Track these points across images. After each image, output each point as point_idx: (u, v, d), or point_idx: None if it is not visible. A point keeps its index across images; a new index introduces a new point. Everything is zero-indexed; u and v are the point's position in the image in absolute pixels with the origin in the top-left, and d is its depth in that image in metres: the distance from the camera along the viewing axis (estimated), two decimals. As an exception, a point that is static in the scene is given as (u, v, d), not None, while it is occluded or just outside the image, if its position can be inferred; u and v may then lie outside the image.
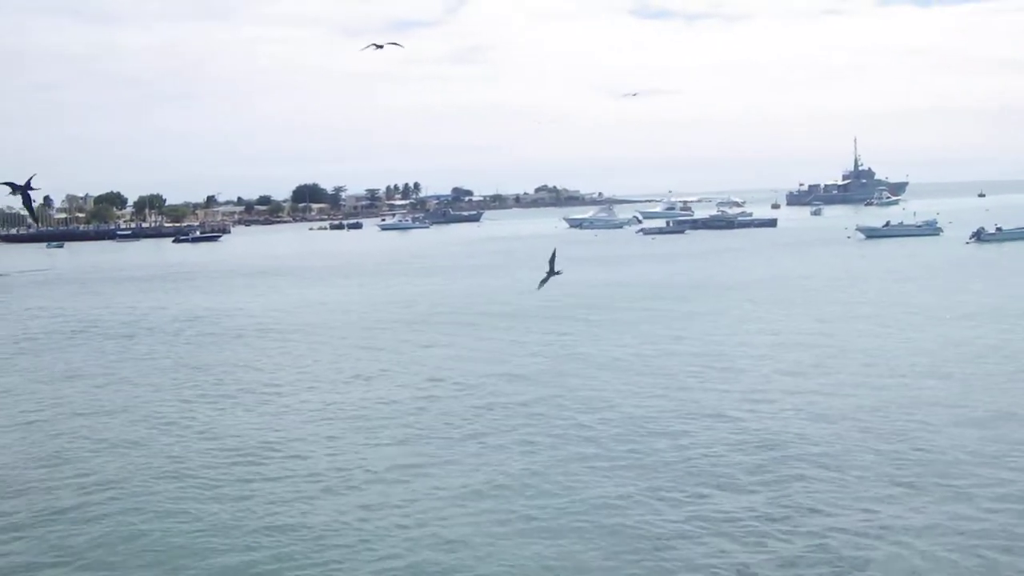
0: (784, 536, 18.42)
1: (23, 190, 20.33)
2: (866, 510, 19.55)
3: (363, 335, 46.84)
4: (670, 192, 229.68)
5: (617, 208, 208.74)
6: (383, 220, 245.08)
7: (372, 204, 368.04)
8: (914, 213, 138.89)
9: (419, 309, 56.61)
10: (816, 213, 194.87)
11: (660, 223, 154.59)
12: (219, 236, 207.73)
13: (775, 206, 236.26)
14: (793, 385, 31.01)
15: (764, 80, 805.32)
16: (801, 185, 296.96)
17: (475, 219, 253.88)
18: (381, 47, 40.50)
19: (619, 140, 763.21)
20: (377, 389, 33.14)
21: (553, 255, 25.17)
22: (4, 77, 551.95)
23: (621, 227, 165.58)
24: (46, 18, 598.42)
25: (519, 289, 65.38)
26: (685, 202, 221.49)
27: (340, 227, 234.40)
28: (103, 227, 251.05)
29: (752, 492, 20.83)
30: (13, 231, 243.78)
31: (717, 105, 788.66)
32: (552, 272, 25.98)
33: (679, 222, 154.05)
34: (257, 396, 32.80)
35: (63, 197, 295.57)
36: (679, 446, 24.39)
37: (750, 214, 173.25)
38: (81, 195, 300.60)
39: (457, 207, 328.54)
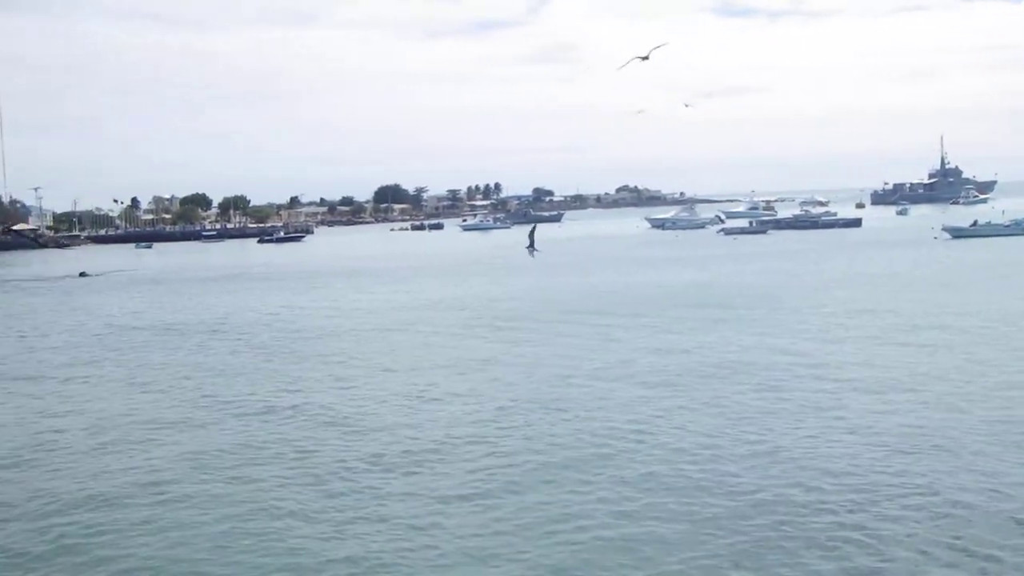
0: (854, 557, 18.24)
1: None
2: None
3: (456, 333, 47.13)
4: (753, 192, 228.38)
5: (699, 208, 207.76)
6: (464, 220, 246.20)
7: (453, 204, 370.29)
8: (1003, 212, 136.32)
9: (505, 307, 56.66)
10: (902, 213, 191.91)
11: (742, 223, 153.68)
12: (302, 236, 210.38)
13: (859, 205, 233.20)
14: (882, 385, 30.59)
15: (847, 78, 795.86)
16: (886, 184, 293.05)
17: (556, 219, 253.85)
18: (646, 58, 40.57)
19: (702, 140, 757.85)
20: (471, 388, 33.29)
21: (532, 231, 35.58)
22: (91, 82, 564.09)
23: (703, 227, 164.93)
24: (131, 23, 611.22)
25: (605, 289, 65.52)
26: (768, 202, 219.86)
27: (421, 228, 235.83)
28: (189, 228, 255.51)
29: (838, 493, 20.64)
30: (102, 232, 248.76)
31: (800, 103, 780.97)
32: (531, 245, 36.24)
33: (762, 222, 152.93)
34: (344, 391, 33.11)
35: (149, 198, 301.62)
36: (768, 443, 24.24)
37: (834, 214, 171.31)
38: (167, 196, 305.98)
39: (538, 207, 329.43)
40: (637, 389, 31.39)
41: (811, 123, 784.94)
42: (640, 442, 24.94)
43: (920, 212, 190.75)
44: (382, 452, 25.12)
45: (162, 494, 22.33)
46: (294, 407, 30.90)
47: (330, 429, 27.84)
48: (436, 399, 31.29)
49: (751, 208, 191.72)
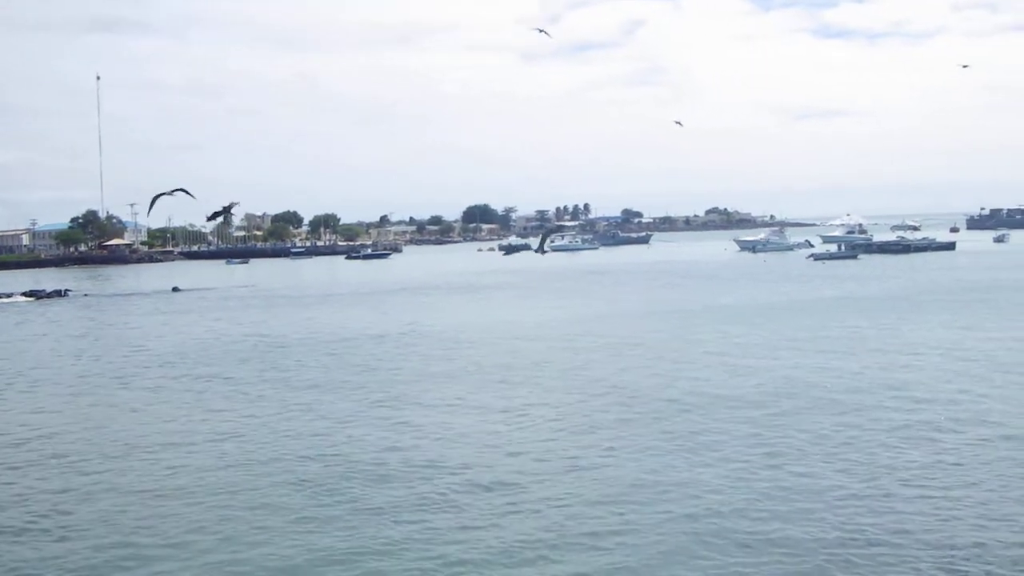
0: None
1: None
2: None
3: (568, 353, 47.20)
4: (848, 215, 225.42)
5: (790, 231, 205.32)
6: (552, 241, 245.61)
7: (542, 225, 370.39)
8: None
9: (603, 326, 56.47)
10: (1000, 240, 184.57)
11: (832, 247, 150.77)
12: (388, 254, 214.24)
13: (954, 230, 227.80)
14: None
15: (948, 101, 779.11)
16: (982, 209, 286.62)
17: (644, 241, 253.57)
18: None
19: (795, 163, 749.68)
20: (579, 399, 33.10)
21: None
22: (205, 102, 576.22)
23: (791, 250, 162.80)
24: (247, 47, 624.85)
25: (707, 306, 65.01)
26: (860, 226, 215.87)
27: (508, 249, 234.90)
28: (279, 245, 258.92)
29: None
30: (195, 247, 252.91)
31: (897, 127, 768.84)
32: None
33: (852, 246, 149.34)
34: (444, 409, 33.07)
35: (242, 215, 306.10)
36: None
37: (932, 239, 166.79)
38: (259, 214, 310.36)
39: (626, 229, 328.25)
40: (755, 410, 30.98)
41: (908, 147, 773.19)
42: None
43: (1021, 239, 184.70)
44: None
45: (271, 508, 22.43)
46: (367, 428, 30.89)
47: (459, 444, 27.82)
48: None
49: (848, 232, 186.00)
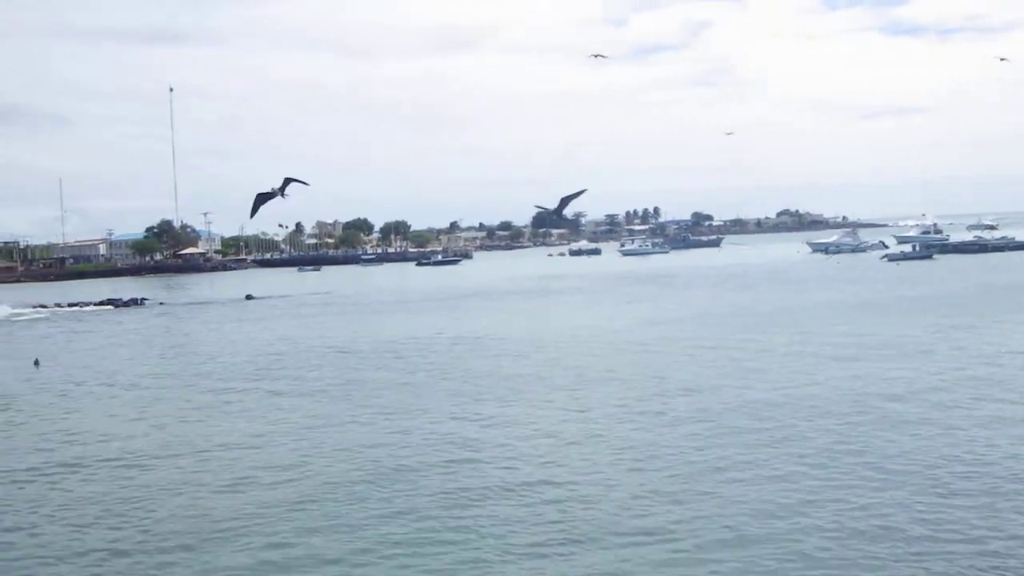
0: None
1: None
2: None
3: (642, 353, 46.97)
4: (924, 215, 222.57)
5: (863, 232, 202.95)
6: (622, 245, 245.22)
7: (611, 229, 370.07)
8: None
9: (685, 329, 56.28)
10: None
11: (906, 248, 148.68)
12: (459, 260, 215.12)
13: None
14: None
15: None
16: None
17: (715, 244, 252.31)
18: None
19: (868, 161, 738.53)
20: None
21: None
22: (263, 110, 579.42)
23: (864, 251, 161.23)
24: (310, 53, 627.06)
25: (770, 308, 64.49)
26: (935, 225, 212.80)
27: (578, 253, 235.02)
28: (350, 252, 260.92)
29: None
30: (267, 255, 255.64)
31: (973, 123, 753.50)
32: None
33: (927, 246, 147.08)
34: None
35: (313, 223, 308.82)
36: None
37: (1012, 238, 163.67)
38: (330, 221, 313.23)
39: (696, 232, 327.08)
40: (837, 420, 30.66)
41: (985, 143, 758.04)
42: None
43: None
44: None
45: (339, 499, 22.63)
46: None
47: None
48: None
49: (923, 232, 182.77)
